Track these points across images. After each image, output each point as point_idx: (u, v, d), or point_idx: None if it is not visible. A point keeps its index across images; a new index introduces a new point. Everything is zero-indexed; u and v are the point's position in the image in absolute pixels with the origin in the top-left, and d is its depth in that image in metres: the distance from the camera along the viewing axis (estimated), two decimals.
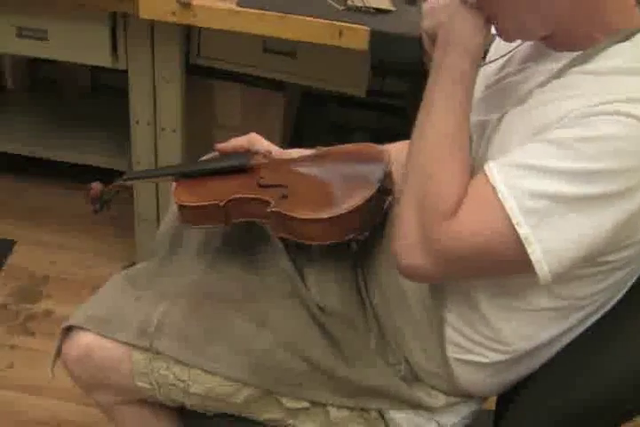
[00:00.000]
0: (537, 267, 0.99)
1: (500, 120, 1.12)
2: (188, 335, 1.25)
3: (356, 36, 1.73)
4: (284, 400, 1.24)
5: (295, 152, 1.44)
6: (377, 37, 1.72)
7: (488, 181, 1.00)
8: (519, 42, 1.17)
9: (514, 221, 0.98)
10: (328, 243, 1.25)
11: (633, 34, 1.03)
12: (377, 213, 1.28)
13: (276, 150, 1.43)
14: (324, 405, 1.24)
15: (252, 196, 1.30)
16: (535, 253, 0.98)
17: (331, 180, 1.34)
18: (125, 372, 1.26)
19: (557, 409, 1.10)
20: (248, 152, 1.42)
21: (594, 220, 0.97)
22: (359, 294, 1.30)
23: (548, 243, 0.98)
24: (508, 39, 1.11)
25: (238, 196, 1.30)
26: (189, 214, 1.34)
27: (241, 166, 1.38)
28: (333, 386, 1.23)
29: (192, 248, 1.42)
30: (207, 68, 2.08)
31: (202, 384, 1.24)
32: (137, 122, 2.07)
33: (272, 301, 1.28)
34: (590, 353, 1.05)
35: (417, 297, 1.20)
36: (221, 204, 1.29)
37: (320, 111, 2.54)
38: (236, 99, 2.20)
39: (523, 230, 0.98)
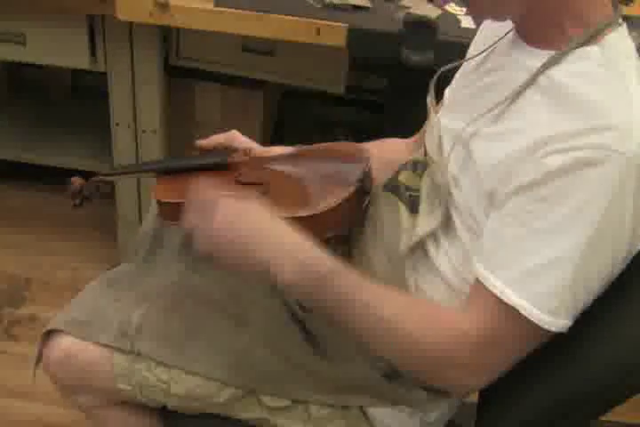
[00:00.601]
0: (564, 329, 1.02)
1: (471, 138, 1.11)
2: (168, 336, 1.24)
3: (334, 34, 1.73)
4: (265, 399, 1.24)
5: (276, 149, 1.44)
6: (355, 34, 1.72)
7: (502, 301, 1.00)
8: (497, 38, 1.17)
9: (541, 325, 1.00)
10: None
11: (601, 31, 1.02)
12: (355, 213, 1.28)
13: (256, 147, 1.43)
14: (306, 403, 1.24)
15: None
16: (563, 327, 1.01)
17: (309, 179, 1.33)
18: (106, 374, 1.25)
19: (538, 400, 1.10)
20: (228, 149, 1.43)
21: (601, 270, 1.00)
22: None
23: (572, 312, 1.01)
24: (480, 16, 1.11)
25: None
26: (168, 211, 1.33)
27: (220, 163, 1.38)
28: (314, 384, 1.22)
29: (172, 249, 1.42)
30: (186, 69, 2.07)
31: (183, 385, 1.23)
32: (117, 124, 2.06)
33: (252, 299, 1.28)
34: (571, 344, 1.05)
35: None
36: None
37: (302, 108, 2.54)
38: (215, 99, 2.20)
39: (548, 325, 1.00)
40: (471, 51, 1.29)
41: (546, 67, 1.03)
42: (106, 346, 1.24)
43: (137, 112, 2.04)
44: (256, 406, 1.25)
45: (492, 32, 1.21)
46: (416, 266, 1.19)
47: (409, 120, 2.19)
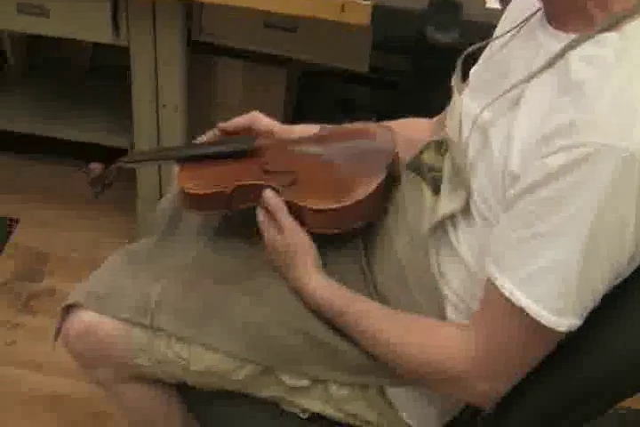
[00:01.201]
0: (572, 328, 1.01)
1: (489, 126, 1.10)
2: (188, 311, 1.24)
3: (359, 11, 1.70)
4: (284, 378, 1.23)
5: (298, 129, 1.43)
6: (379, 11, 1.70)
7: (511, 302, 1.00)
8: (523, 17, 1.16)
9: (550, 325, 0.99)
10: (334, 232, 1.24)
11: (627, 18, 0.98)
12: (384, 200, 1.26)
13: (278, 128, 1.41)
14: (325, 382, 1.23)
15: (258, 182, 1.28)
16: (571, 327, 1.00)
17: (338, 165, 1.31)
18: (125, 349, 1.25)
19: (538, 399, 1.10)
20: (251, 132, 1.40)
21: (607, 269, 0.98)
22: (361, 270, 1.29)
23: (580, 312, 0.99)
24: None
25: (244, 182, 1.28)
26: (195, 202, 1.32)
27: (244, 150, 1.35)
28: (333, 362, 1.22)
29: (192, 224, 1.41)
30: (208, 45, 2.06)
31: (202, 362, 1.23)
32: (138, 99, 2.05)
33: (272, 276, 1.28)
34: (572, 344, 1.04)
35: (416, 276, 1.19)
36: (227, 191, 1.28)
37: (322, 88, 2.53)
38: (237, 75, 2.18)
39: (556, 325, 0.99)
40: (497, 31, 1.27)
41: (565, 50, 1.01)
42: (125, 321, 1.24)
43: (159, 88, 2.02)
44: (275, 385, 1.25)
45: (519, 13, 1.19)
46: (438, 249, 1.17)
47: (430, 101, 2.17)
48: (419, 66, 2.26)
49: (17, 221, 2.42)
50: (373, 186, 1.22)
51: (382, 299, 1.24)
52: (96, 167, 1.43)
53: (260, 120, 1.41)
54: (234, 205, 1.30)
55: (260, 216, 1.27)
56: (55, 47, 2.54)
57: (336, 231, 1.25)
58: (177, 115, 2.06)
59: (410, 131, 1.41)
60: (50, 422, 1.90)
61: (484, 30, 1.53)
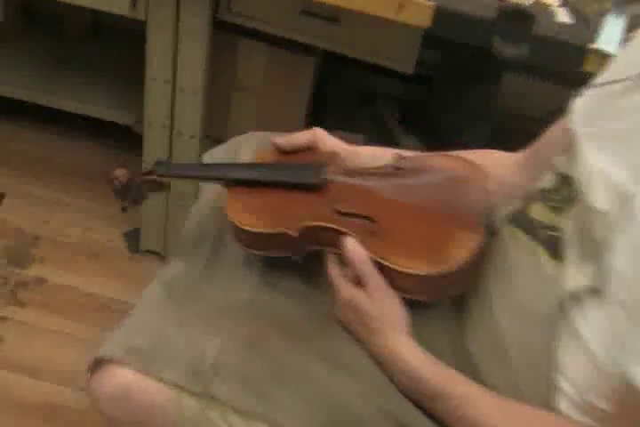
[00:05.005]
0: None
1: (635, 193, 0.92)
2: (250, 378, 1.06)
3: (419, 12, 1.55)
4: None
5: (364, 152, 1.27)
6: (443, 15, 1.55)
7: None
8: None
9: None
10: (421, 299, 1.08)
11: None
12: (480, 260, 1.09)
13: (344, 150, 1.25)
14: None
15: (331, 226, 1.10)
16: None
17: (426, 213, 1.12)
18: (171, 418, 1.08)
19: None
20: (312, 152, 1.23)
21: None
22: (451, 337, 1.14)
23: None
24: None
25: (313, 224, 1.11)
26: (252, 240, 1.15)
27: (315, 185, 1.17)
28: None
29: (237, 251, 1.23)
30: (232, 24, 1.89)
31: None
32: (153, 79, 1.89)
33: (346, 336, 1.12)
34: None
35: (522, 358, 1.03)
36: (293, 233, 1.10)
37: (344, 77, 2.38)
38: (261, 60, 2.02)
39: None
40: (613, 70, 1.11)
41: None
42: (173, 385, 1.07)
43: (177, 69, 1.86)
44: None
45: None
46: (556, 331, 0.99)
47: (459, 99, 2.04)
48: (450, 62, 2.14)
49: (3, 196, 2.25)
50: (474, 246, 1.05)
51: (475, 372, 1.09)
52: (121, 175, 1.23)
53: (325, 140, 1.25)
54: (298, 248, 1.13)
55: (333, 266, 1.12)
56: (53, 4, 2.35)
57: (423, 299, 1.09)
58: (196, 100, 1.90)
59: (492, 166, 1.25)
60: None
61: (554, 47, 1.40)
